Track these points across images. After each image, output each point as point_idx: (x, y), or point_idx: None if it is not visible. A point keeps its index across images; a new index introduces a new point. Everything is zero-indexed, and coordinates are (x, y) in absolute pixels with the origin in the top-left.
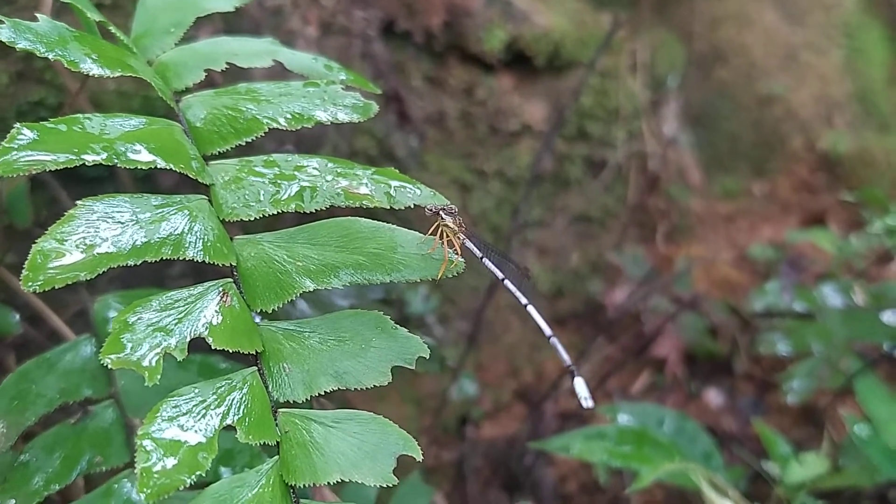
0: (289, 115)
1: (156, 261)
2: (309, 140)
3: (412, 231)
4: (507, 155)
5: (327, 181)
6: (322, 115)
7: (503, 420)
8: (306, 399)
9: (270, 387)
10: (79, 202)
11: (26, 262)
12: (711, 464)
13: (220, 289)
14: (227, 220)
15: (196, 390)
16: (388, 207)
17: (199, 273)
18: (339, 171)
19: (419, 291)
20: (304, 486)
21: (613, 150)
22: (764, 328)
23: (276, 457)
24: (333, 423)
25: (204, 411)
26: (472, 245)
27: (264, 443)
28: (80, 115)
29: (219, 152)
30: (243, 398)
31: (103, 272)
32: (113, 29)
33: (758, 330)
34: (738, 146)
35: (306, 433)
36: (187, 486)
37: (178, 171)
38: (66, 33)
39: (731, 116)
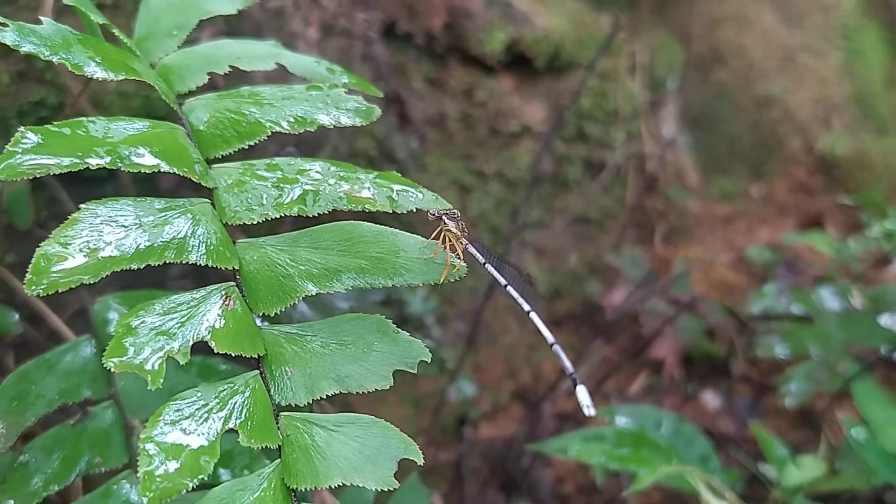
0: (291, 119)
1: (159, 264)
2: (310, 141)
3: (414, 235)
4: (507, 156)
5: (330, 185)
6: (325, 119)
7: (501, 421)
8: (308, 403)
9: (272, 390)
10: (82, 206)
11: (30, 266)
12: (709, 466)
13: (223, 292)
14: (229, 224)
15: (198, 394)
16: (391, 211)
17: (199, 274)
18: (341, 174)
19: (418, 292)
20: (305, 489)
21: (612, 152)
22: (761, 331)
23: (278, 460)
24: (335, 427)
25: (206, 415)
26: (474, 250)
27: (266, 446)
28: (83, 119)
29: (222, 155)
30: (245, 402)
31: (106, 276)
32: (116, 31)
33: (755, 332)
34: (736, 148)
35: (308, 437)
36: (189, 489)
37: (181, 174)
38: (70, 36)
39: (730, 118)
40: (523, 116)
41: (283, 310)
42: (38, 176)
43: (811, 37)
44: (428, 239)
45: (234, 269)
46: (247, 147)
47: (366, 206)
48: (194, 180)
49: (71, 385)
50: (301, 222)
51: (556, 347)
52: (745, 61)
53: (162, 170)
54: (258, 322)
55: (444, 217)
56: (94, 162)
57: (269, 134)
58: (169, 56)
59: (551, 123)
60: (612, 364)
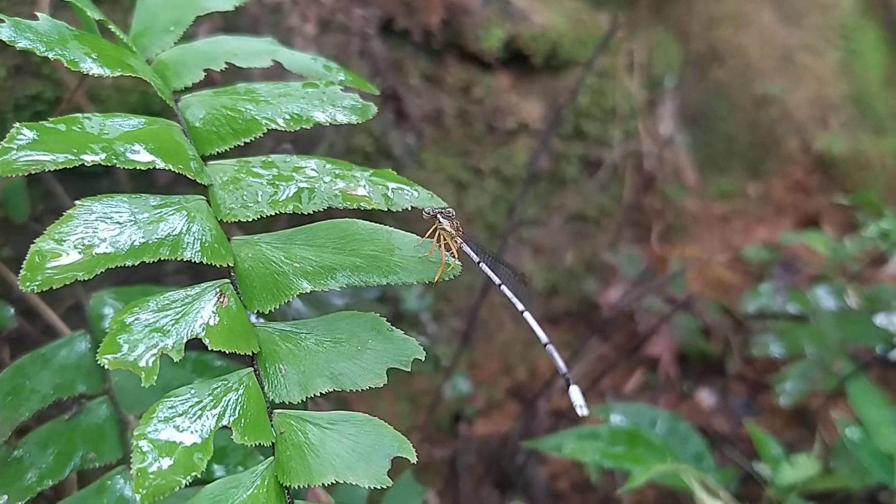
0: (287, 116)
1: (154, 261)
2: (306, 137)
3: (409, 233)
4: (504, 153)
5: (325, 182)
6: (321, 117)
7: (496, 418)
8: (302, 400)
9: (266, 388)
10: (77, 202)
11: (24, 262)
12: (703, 465)
13: (218, 289)
14: (224, 221)
15: (192, 391)
16: (386, 209)
17: (195, 270)
18: (337, 172)
19: (414, 289)
20: (298, 487)
21: (610, 150)
22: (757, 330)
23: (271, 458)
24: (328, 425)
25: (200, 412)
26: (469, 249)
27: (259, 444)
28: (79, 115)
29: (217, 152)
30: (239, 399)
31: (101, 272)
32: (112, 27)
33: (751, 331)
34: (733, 147)
35: (301, 434)
36: (183, 486)
37: (176, 171)
38: (66, 32)
39: (727, 117)
40: (520, 114)
41: (278, 307)
42: (33, 172)
43: (809, 36)
44: (423, 237)
45: (228, 266)
46: (243, 144)
47: (361, 204)
48: (189, 177)
49: (65, 380)
50: (293, 219)
51: (550, 347)
52: (743, 60)
53: (157, 167)
54: (252, 319)
55: (438, 215)
56: (89, 159)
57: (265, 131)
58: (165, 52)
59: (549, 121)
60: (607, 362)
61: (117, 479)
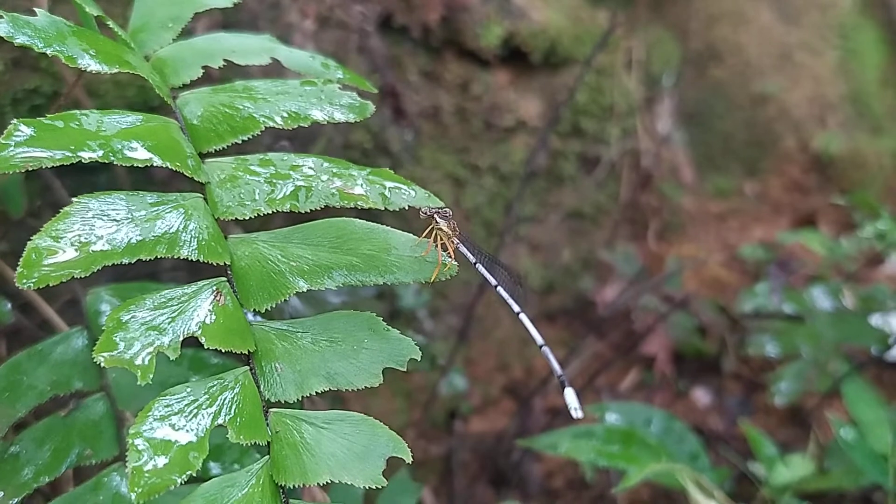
0: (285, 114)
1: (151, 259)
2: (304, 134)
3: (406, 233)
4: (502, 150)
5: (322, 181)
6: (319, 115)
7: (491, 415)
8: (298, 399)
9: (262, 386)
10: (74, 199)
11: (21, 260)
12: (698, 464)
13: (214, 288)
14: (221, 219)
15: (188, 389)
16: (383, 209)
17: (192, 266)
18: (334, 171)
19: (411, 286)
20: (293, 486)
21: (607, 147)
22: (753, 329)
23: (267, 457)
24: (324, 424)
25: (196, 411)
26: (465, 250)
27: (255, 443)
28: (76, 112)
29: (215, 150)
30: (235, 398)
31: (97, 270)
32: (111, 23)
33: (746, 330)
34: (731, 145)
35: (297, 433)
36: (178, 485)
37: (174, 168)
38: (65, 28)
39: (725, 115)
40: (518, 111)
41: (275, 305)
42: (30, 169)
43: (808, 35)
44: (419, 237)
45: (225, 264)
46: (240, 142)
47: (358, 203)
48: (187, 175)
49: (62, 376)
50: (288, 217)
51: (546, 349)
52: (741, 58)
53: (155, 164)
54: (249, 317)
55: (435, 216)
56: (86, 156)
57: (263, 129)
58: (164, 49)
59: (547, 119)
60: (603, 360)
61: (113, 476)
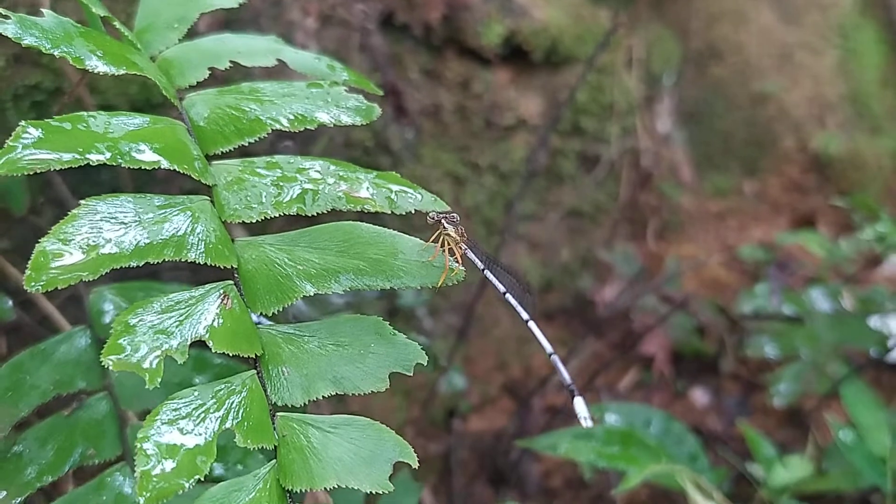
0: (291, 117)
1: (158, 263)
2: (306, 132)
3: (414, 238)
4: (502, 149)
5: (329, 184)
6: (325, 118)
7: (490, 414)
8: (304, 403)
9: (269, 390)
10: (82, 202)
11: (29, 263)
12: (697, 465)
13: (221, 291)
14: (228, 222)
15: (195, 393)
16: (389, 212)
17: (193, 266)
18: (340, 174)
19: None
20: (300, 490)
21: (607, 146)
22: (752, 330)
23: (274, 461)
24: (331, 429)
25: (203, 415)
26: (473, 256)
27: (262, 447)
28: (83, 114)
29: (221, 152)
30: (242, 402)
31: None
32: (117, 24)
33: (745, 330)
34: (730, 144)
35: (304, 438)
36: (186, 490)
37: (181, 171)
38: (72, 29)
39: (725, 114)
40: (519, 109)
41: (282, 310)
42: (38, 171)
43: (808, 35)
44: (427, 242)
45: (232, 267)
46: (247, 144)
47: (364, 207)
48: (194, 178)
49: (65, 376)
50: (292, 221)
51: (555, 358)
52: (741, 58)
53: (162, 166)
54: (255, 320)
55: (443, 220)
56: (94, 158)
57: (270, 132)
58: (170, 49)
59: (549, 118)
60: (602, 359)
61: (116, 476)
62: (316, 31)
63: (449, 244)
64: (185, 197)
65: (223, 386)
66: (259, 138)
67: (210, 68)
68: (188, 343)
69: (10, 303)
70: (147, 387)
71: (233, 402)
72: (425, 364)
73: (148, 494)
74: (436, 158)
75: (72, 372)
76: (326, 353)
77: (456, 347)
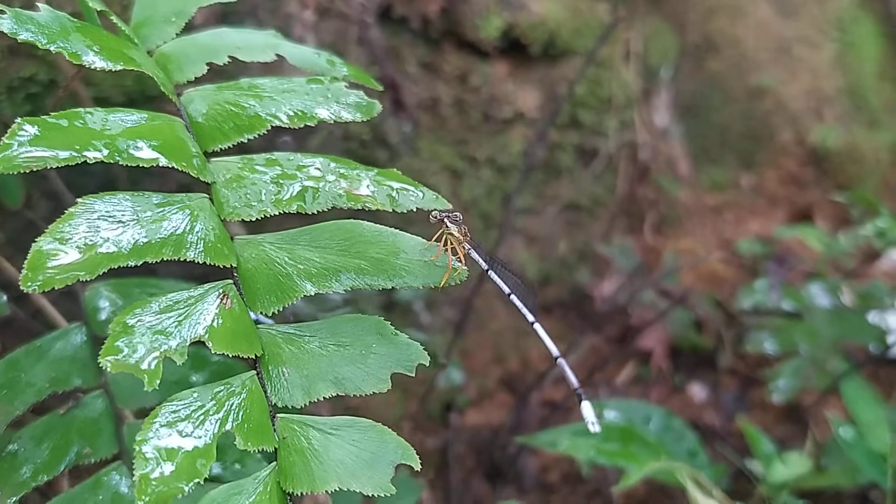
0: (291, 113)
1: (156, 262)
2: (305, 126)
3: (416, 237)
4: (500, 142)
5: (329, 182)
6: (325, 114)
7: (487, 408)
8: (305, 404)
9: (269, 391)
10: (79, 200)
11: (26, 262)
12: (696, 462)
13: (221, 291)
14: (227, 220)
15: (195, 395)
16: (391, 210)
17: (189, 262)
18: (341, 171)
19: None
20: (300, 493)
21: (605, 140)
22: (751, 326)
23: (274, 463)
24: (332, 430)
25: (203, 417)
26: (477, 256)
27: (262, 449)
28: (80, 110)
29: (220, 149)
30: (242, 403)
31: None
32: (114, 18)
33: (743, 325)
34: (727, 138)
35: (305, 440)
36: (185, 493)
37: (179, 168)
38: (68, 24)
39: (722, 108)
40: (516, 103)
41: (281, 310)
42: (35, 169)
43: (806, 28)
44: (429, 241)
45: (231, 266)
46: (246, 140)
47: (365, 205)
48: (193, 175)
49: (61, 373)
50: (286, 218)
51: (562, 361)
52: (738, 51)
53: (161, 164)
54: (253, 316)
55: (445, 220)
56: (91, 155)
57: (269, 128)
58: (167, 44)
59: (547, 112)
60: (600, 354)
61: (113, 475)
62: (314, 23)
63: (452, 244)
64: (183, 195)
65: (223, 387)
66: (258, 135)
67: (208, 63)
68: (187, 344)
69: (5, 297)
70: (146, 388)
71: (232, 404)
72: (427, 364)
73: (147, 498)
74: (433, 152)
75: (68, 369)
76: (327, 353)
77: (454, 342)
